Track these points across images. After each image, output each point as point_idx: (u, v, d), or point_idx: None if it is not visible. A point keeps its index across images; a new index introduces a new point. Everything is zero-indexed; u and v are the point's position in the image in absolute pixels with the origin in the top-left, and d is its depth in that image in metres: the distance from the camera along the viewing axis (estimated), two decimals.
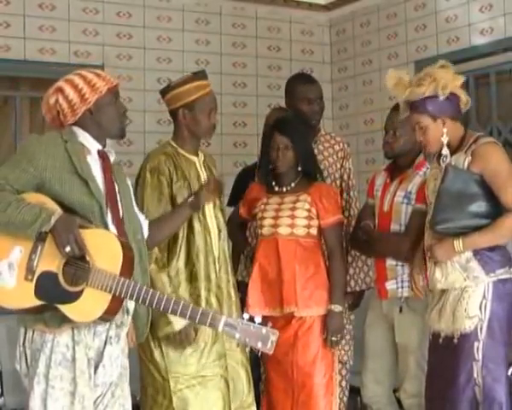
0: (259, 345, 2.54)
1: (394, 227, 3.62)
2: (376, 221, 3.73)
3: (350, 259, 4.01)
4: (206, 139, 3.54)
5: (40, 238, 2.62)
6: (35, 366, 2.67)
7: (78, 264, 2.62)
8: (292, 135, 3.60)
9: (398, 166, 3.70)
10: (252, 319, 2.58)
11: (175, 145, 3.45)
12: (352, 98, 6.21)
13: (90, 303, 2.62)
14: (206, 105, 3.41)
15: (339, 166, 4.07)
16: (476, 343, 3.02)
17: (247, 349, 3.56)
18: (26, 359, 2.71)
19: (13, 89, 5.38)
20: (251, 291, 3.56)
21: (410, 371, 3.59)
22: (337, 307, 3.56)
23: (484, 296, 3.04)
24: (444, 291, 3.14)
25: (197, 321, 2.65)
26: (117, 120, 2.89)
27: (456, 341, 3.05)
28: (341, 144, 4.13)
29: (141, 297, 2.64)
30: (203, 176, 3.44)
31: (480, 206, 3.05)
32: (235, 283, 3.51)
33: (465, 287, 3.07)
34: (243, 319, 2.60)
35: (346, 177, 4.07)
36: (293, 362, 3.53)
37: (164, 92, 3.51)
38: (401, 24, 5.75)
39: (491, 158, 3.06)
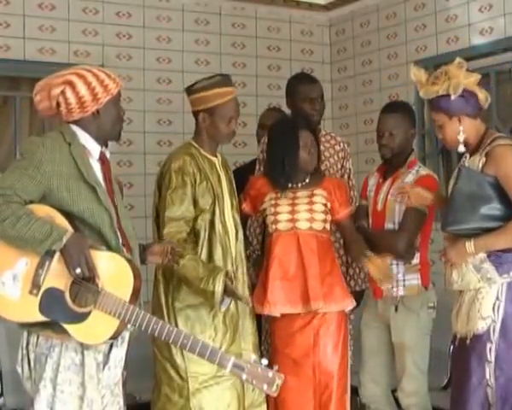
0: (265, 387, 2.59)
1: (388, 226, 3.64)
2: (370, 221, 3.75)
3: (350, 259, 4.01)
4: (224, 144, 3.55)
5: (48, 254, 2.60)
6: (40, 370, 2.66)
7: (86, 285, 2.60)
8: (313, 132, 3.61)
9: (391, 166, 3.72)
10: (259, 361, 2.62)
11: (197, 146, 3.45)
12: (351, 98, 6.21)
13: (96, 326, 2.61)
14: (227, 113, 3.39)
15: (340, 166, 4.07)
16: (489, 344, 3.00)
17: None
18: (29, 362, 2.69)
19: (13, 89, 5.37)
20: (271, 289, 3.49)
21: (407, 370, 3.61)
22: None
23: (497, 297, 3.02)
24: (461, 293, 3.13)
25: (206, 358, 2.65)
26: (118, 123, 2.87)
27: (468, 341, 3.04)
28: (342, 144, 4.13)
29: (150, 328, 2.64)
30: (223, 177, 3.46)
31: (492, 208, 3.01)
32: (249, 283, 3.52)
33: (479, 288, 3.05)
34: (251, 359, 2.64)
35: (346, 177, 4.07)
36: (314, 363, 3.49)
37: (188, 93, 3.47)
38: (401, 24, 5.75)
39: (504, 160, 3.02)
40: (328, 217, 3.58)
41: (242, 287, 3.44)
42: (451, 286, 3.16)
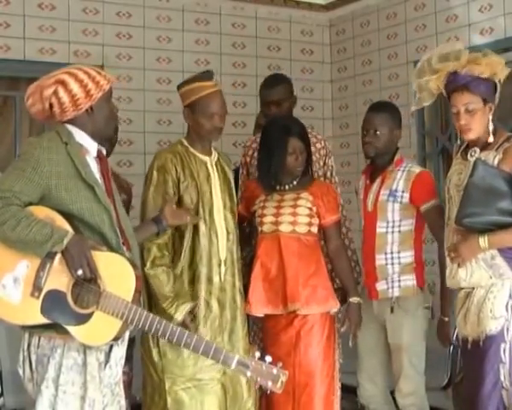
0: (270, 384, 2.61)
1: (381, 225, 3.62)
2: (363, 223, 3.74)
3: None
4: (211, 140, 3.48)
5: (49, 256, 2.59)
6: (42, 371, 2.65)
7: (88, 286, 2.60)
8: (304, 139, 3.61)
9: (377, 166, 3.71)
10: (263, 358, 2.65)
11: (186, 144, 3.43)
12: (351, 98, 6.21)
13: (99, 328, 2.60)
14: (207, 108, 3.34)
15: (322, 163, 4.05)
16: (503, 345, 2.95)
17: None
18: (31, 363, 2.68)
19: (13, 89, 5.38)
20: (252, 289, 3.52)
21: (403, 371, 3.60)
22: (355, 300, 3.60)
23: (510, 296, 2.97)
24: (468, 295, 3.08)
25: (210, 357, 2.67)
26: (111, 120, 2.88)
27: (481, 343, 2.98)
28: (322, 142, 4.12)
29: (153, 328, 2.64)
30: (214, 176, 3.42)
31: (508, 204, 2.95)
32: (241, 287, 3.47)
33: (490, 287, 3.00)
34: (254, 356, 2.65)
35: (328, 174, 4.06)
36: (295, 362, 3.50)
37: (177, 90, 3.47)
38: (401, 24, 5.75)
39: None
40: (314, 220, 3.58)
41: (232, 290, 3.40)
42: (458, 284, 3.10)
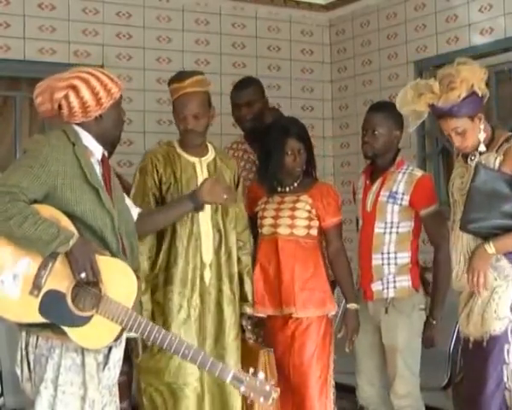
0: (262, 400, 2.67)
1: (379, 225, 3.62)
2: (360, 223, 3.74)
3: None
4: (192, 143, 3.39)
5: (51, 255, 2.58)
6: (41, 372, 2.64)
7: (89, 290, 2.60)
8: (304, 139, 3.61)
9: (378, 167, 3.71)
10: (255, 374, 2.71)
11: (175, 144, 3.41)
12: (351, 98, 6.20)
13: (97, 331, 2.60)
14: (178, 110, 3.33)
15: None
16: (506, 346, 2.96)
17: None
18: (29, 363, 2.67)
19: (13, 89, 5.37)
20: (254, 291, 3.55)
21: (398, 373, 3.59)
22: (353, 306, 3.62)
23: None
24: (472, 295, 3.07)
25: (207, 369, 2.69)
26: (119, 126, 2.88)
27: (485, 344, 2.99)
28: None
29: (152, 336, 2.64)
30: (202, 178, 3.32)
31: (511, 207, 2.95)
32: (229, 291, 3.39)
33: (495, 288, 3.01)
34: (248, 371, 2.69)
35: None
36: (289, 363, 3.54)
37: None
38: (401, 24, 5.75)
39: None
40: (314, 223, 3.59)
41: (217, 295, 3.33)
42: (464, 287, 3.09)
